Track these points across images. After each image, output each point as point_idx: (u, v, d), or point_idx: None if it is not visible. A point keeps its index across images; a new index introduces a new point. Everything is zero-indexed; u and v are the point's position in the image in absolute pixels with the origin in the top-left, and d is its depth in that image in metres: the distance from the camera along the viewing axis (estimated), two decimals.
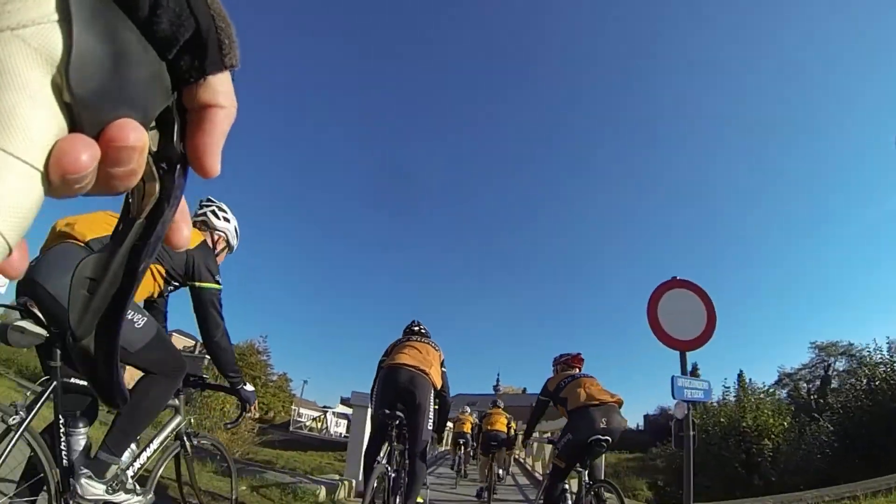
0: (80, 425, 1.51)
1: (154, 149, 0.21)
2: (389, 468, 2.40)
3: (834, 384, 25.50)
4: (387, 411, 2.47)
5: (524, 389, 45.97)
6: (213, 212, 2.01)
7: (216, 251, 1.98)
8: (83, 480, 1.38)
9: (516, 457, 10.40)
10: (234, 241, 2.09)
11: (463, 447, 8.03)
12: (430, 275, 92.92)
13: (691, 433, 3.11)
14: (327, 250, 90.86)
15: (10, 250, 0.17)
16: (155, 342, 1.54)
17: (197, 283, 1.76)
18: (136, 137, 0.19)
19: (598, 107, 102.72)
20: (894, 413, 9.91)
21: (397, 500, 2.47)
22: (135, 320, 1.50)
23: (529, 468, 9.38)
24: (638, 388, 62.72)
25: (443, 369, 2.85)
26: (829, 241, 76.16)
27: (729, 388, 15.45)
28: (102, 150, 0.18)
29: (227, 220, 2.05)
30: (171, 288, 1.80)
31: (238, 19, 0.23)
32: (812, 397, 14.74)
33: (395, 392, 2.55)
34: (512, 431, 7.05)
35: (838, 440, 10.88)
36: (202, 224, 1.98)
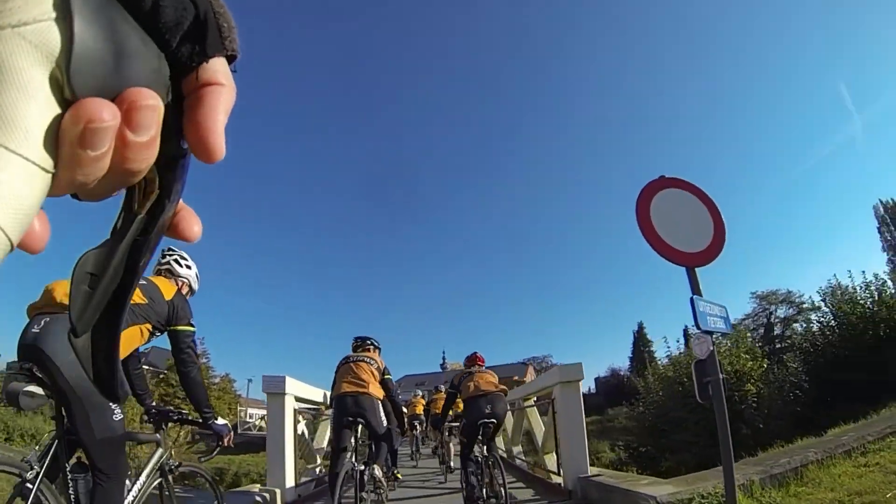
0: (80, 471, 1.77)
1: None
2: (355, 464, 3.08)
3: (776, 331, 26.95)
4: (348, 419, 3.25)
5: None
6: (176, 260, 2.32)
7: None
8: None
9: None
10: (195, 286, 2.41)
11: (418, 427, 9.00)
12: (367, 259, 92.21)
13: (720, 376, 2.45)
14: (257, 238, 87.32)
15: (13, 246, 0.18)
16: (118, 440, 1.75)
17: (177, 328, 2.09)
18: (154, 98, 0.20)
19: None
20: (862, 348, 10.14)
21: (366, 493, 3.14)
22: (115, 410, 1.73)
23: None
24: (589, 352, 67.57)
25: (385, 377, 3.62)
26: (759, 193, 78.48)
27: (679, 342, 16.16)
28: (123, 113, 0.19)
29: (188, 267, 2.36)
30: (156, 336, 2.09)
31: (235, 19, 0.24)
32: (757, 344, 14.44)
33: (347, 413, 3.30)
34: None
35: (810, 381, 11.21)
36: (167, 272, 2.29)
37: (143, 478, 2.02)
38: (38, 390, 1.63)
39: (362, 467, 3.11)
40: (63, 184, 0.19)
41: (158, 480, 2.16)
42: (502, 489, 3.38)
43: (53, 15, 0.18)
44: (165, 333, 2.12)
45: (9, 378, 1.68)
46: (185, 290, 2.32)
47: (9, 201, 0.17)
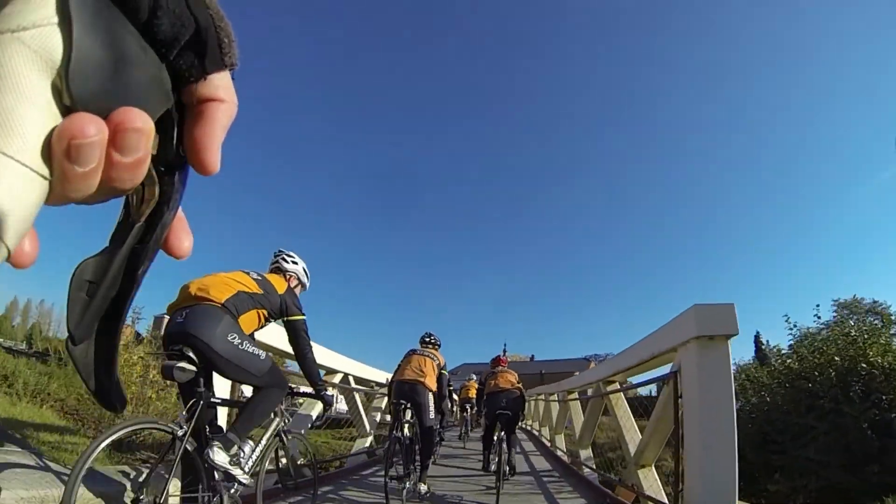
0: (218, 430, 2.15)
1: (153, 152, 0.22)
2: (402, 436, 3.63)
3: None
4: (400, 401, 3.79)
5: (532, 357, 47.77)
6: (283, 259, 2.64)
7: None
8: (215, 448, 1.95)
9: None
10: (304, 280, 2.70)
11: (469, 410, 9.68)
12: (439, 259, 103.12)
13: None
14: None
15: (10, 253, 0.18)
16: (272, 370, 2.20)
17: (290, 318, 2.43)
18: (144, 121, 0.20)
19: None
20: None
21: (416, 460, 3.78)
22: (259, 355, 2.13)
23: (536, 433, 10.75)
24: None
25: (442, 372, 4.22)
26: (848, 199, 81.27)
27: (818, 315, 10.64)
28: (110, 134, 0.19)
29: (294, 262, 2.66)
30: (270, 322, 2.43)
31: (232, 19, 0.24)
32: None
33: (402, 395, 3.87)
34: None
35: None
36: (277, 270, 2.60)
37: (263, 441, 2.32)
38: (188, 366, 1.94)
39: (409, 440, 3.67)
40: (58, 194, 0.19)
41: (277, 443, 2.51)
42: (507, 465, 4.20)
43: (53, 20, 0.18)
44: (280, 322, 2.48)
45: (165, 358, 2.04)
46: (293, 283, 2.61)
47: (6, 207, 0.17)
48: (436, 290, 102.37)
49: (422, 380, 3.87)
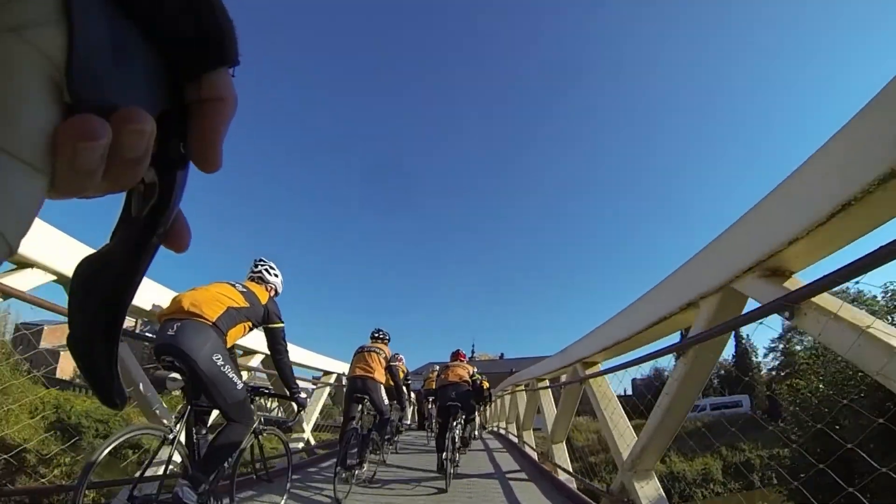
0: (204, 432, 2.33)
1: (154, 149, 0.22)
2: (360, 428, 4.11)
3: None
4: (355, 395, 4.26)
5: (501, 355, 48.01)
6: (267, 270, 2.88)
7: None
8: (185, 489, 2.02)
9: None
10: (280, 289, 2.95)
11: (432, 403, 9.60)
12: (409, 259, 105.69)
13: None
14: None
15: (12, 250, 0.18)
16: (242, 403, 2.33)
17: (271, 325, 2.66)
18: (146, 122, 0.20)
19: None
20: None
21: (370, 448, 4.25)
22: (237, 384, 2.27)
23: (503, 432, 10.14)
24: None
25: (392, 364, 4.69)
26: None
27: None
28: (113, 133, 0.19)
29: (276, 275, 2.92)
30: (254, 330, 2.61)
31: (237, 19, 0.24)
32: None
33: (356, 390, 4.31)
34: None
35: None
36: (259, 279, 2.83)
37: (234, 456, 2.47)
38: (178, 376, 2.10)
39: (366, 432, 4.18)
40: (59, 190, 0.19)
41: (252, 440, 2.70)
42: (457, 452, 4.53)
43: (53, 17, 0.18)
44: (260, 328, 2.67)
45: (156, 369, 2.18)
46: (272, 293, 2.85)
47: (8, 205, 0.17)
48: (404, 290, 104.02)
49: (371, 374, 4.34)
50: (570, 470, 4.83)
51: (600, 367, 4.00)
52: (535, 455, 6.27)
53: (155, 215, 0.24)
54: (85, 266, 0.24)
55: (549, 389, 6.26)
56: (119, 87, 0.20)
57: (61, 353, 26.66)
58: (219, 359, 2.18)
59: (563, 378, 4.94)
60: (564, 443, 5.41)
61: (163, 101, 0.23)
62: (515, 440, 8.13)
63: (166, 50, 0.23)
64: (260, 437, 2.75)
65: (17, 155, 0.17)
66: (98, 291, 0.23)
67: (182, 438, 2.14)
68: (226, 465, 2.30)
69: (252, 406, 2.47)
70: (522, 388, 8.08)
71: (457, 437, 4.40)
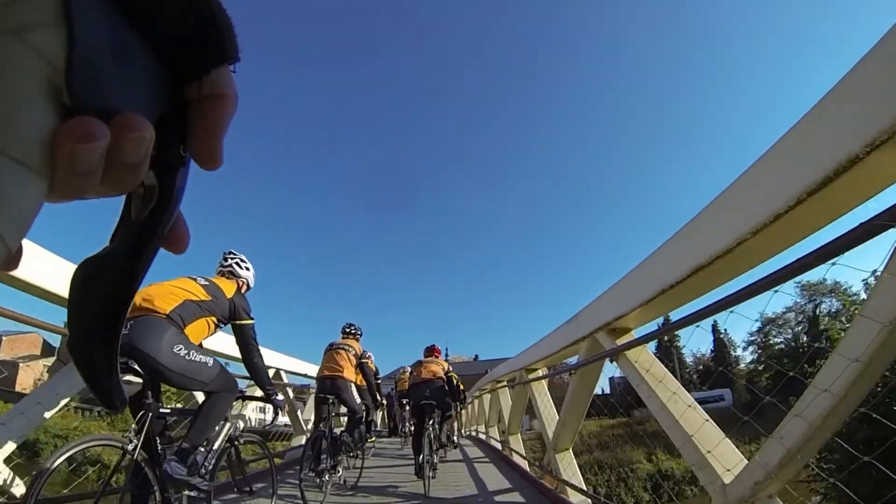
0: (168, 442, 2.15)
1: (154, 151, 0.22)
2: (331, 430, 3.83)
3: (822, 326, 23.28)
4: (324, 395, 4.03)
5: (476, 357, 48.20)
6: (237, 263, 2.67)
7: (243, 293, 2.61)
8: (172, 463, 1.96)
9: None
10: (252, 283, 2.75)
11: (407, 405, 9.35)
12: (383, 261, 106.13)
13: None
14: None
15: (10, 252, 0.18)
16: (221, 374, 2.23)
17: (238, 322, 2.45)
18: (145, 127, 0.20)
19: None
20: None
21: (342, 451, 4.07)
22: (207, 363, 2.14)
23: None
24: None
25: (362, 360, 4.54)
26: None
27: None
28: (112, 138, 0.19)
29: (247, 269, 2.71)
30: (221, 327, 2.43)
31: (235, 18, 0.24)
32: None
33: (325, 390, 4.14)
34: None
35: None
36: (230, 273, 2.61)
37: (215, 446, 2.34)
38: (135, 378, 1.93)
39: (337, 433, 3.96)
40: (58, 192, 0.19)
41: (228, 448, 2.52)
42: (435, 454, 4.37)
43: (53, 19, 0.18)
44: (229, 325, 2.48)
45: None
46: (243, 289, 2.65)
47: (7, 208, 0.17)
48: (376, 294, 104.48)
49: (340, 373, 4.23)
50: (585, 489, 3.36)
51: (633, 334, 2.85)
52: (525, 465, 5.24)
53: (155, 218, 0.24)
54: (84, 269, 0.23)
55: (544, 382, 5.00)
56: (119, 88, 0.20)
57: (20, 364, 25.38)
58: (181, 349, 2.02)
59: (578, 357, 3.43)
60: (519, 434, 5.53)
61: (163, 103, 0.23)
62: (499, 446, 7.05)
63: (167, 50, 0.23)
64: (237, 444, 2.56)
65: (16, 157, 0.17)
66: (97, 294, 0.23)
67: (143, 450, 1.94)
68: (214, 432, 2.24)
69: (229, 372, 2.33)
70: (504, 384, 7.35)
71: (433, 438, 4.23)
